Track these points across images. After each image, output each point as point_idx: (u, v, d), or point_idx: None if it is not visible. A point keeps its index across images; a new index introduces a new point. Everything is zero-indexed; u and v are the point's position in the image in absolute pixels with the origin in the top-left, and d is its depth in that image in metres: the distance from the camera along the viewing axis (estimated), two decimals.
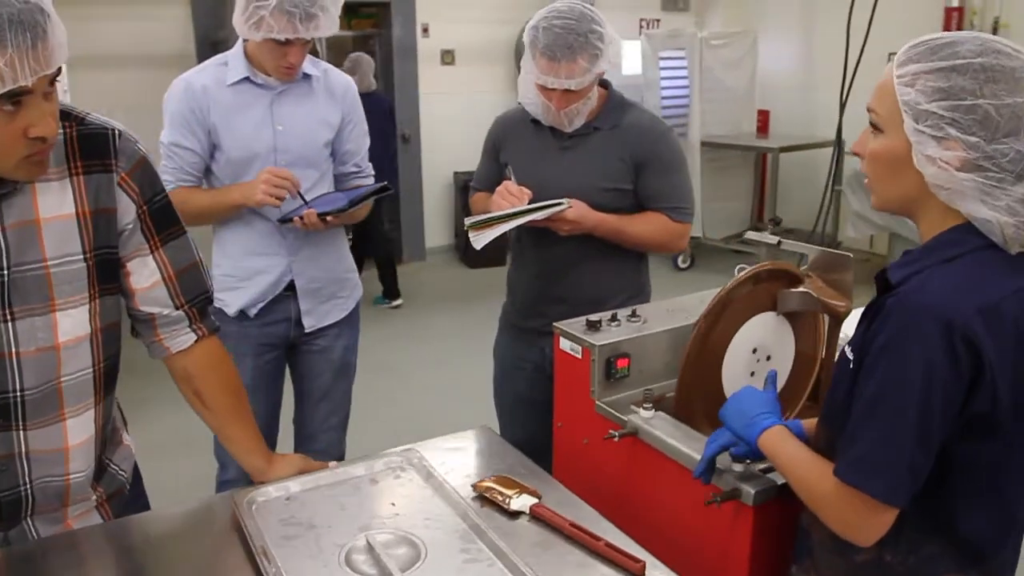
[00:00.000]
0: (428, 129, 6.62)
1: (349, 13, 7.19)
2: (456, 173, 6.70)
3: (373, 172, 2.42)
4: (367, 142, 2.40)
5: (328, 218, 2.11)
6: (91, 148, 1.25)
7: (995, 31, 5.55)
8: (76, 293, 1.26)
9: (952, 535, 1.16)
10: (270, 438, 2.40)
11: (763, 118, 6.90)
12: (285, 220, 2.15)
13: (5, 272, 1.20)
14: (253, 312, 2.23)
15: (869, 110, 1.15)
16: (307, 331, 2.29)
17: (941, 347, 1.04)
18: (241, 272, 2.22)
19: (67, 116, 1.25)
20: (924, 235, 1.16)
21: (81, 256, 1.25)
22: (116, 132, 1.28)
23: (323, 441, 2.43)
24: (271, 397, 2.37)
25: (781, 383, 1.77)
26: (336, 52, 6.53)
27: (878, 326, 1.10)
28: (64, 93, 3.28)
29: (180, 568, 1.31)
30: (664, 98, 6.48)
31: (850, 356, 1.17)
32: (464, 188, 6.58)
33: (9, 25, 1.03)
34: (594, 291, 2.16)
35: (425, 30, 6.45)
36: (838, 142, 5.38)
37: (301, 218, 2.10)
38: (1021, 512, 1.20)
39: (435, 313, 5.59)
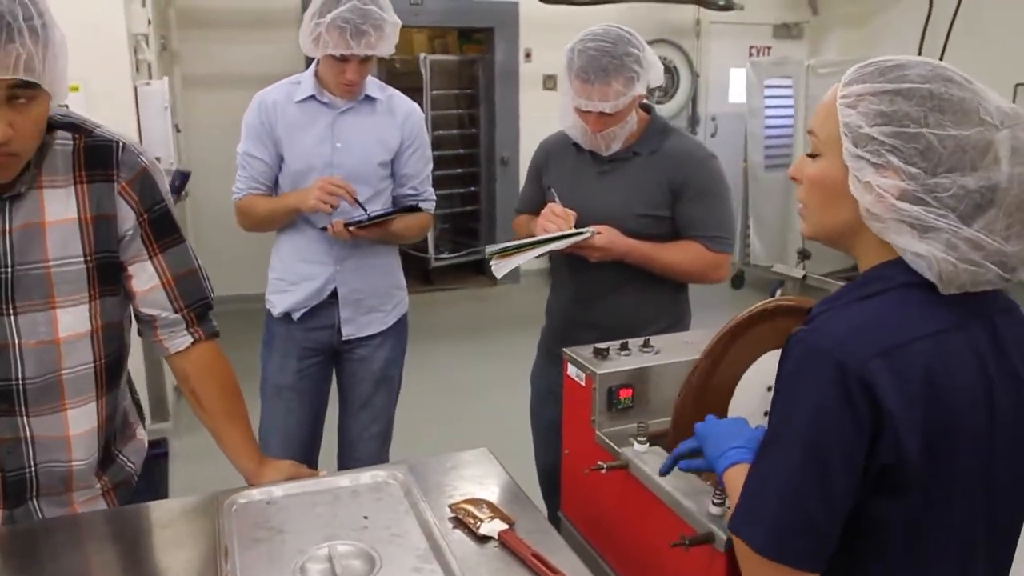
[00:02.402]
0: (527, 153, 6.64)
1: (462, 38, 7.38)
2: None
3: (434, 198, 2.48)
4: (429, 167, 2.46)
5: (351, 228, 2.17)
6: (95, 159, 1.34)
7: None
8: (76, 292, 1.34)
9: None
10: (313, 441, 2.49)
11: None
12: (323, 229, 2.24)
13: (9, 269, 1.29)
14: (297, 316, 2.32)
15: (809, 132, 1.09)
16: (346, 339, 2.35)
17: (833, 390, 0.95)
18: (291, 276, 2.33)
19: (77, 129, 1.35)
20: (861, 269, 1.08)
21: (82, 259, 1.34)
22: (120, 145, 1.37)
23: (363, 450, 2.49)
24: (315, 401, 2.46)
25: None
26: (442, 76, 6.71)
27: (781, 364, 1.03)
28: (164, 109, 3.51)
29: (149, 561, 1.36)
30: (768, 127, 6.29)
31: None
32: None
33: None
34: (629, 318, 2.12)
35: (527, 55, 6.52)
36: None
37: (331, 226, 2.20)
38: None
39: (518, 335, 5.59)
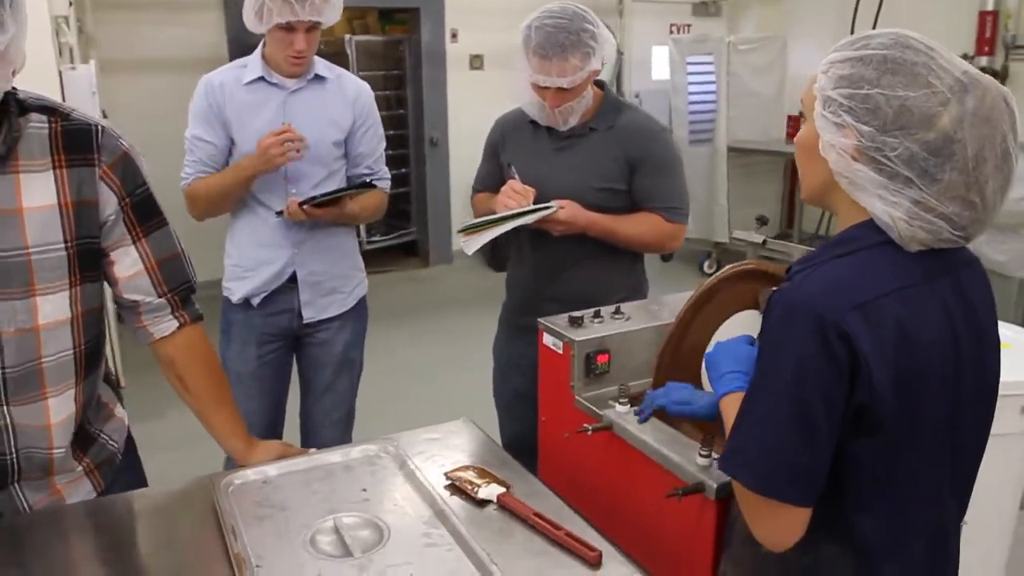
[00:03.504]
0: (456, 133, 6.68)
1: (383, 19, 7.30)
2: None
3: (389, 176, 2.48)
4: (382, 146, 2.46)
5: (305, 207, 2.18)
6: (74, 143, 1.31)
7: None
8: (57, 280, 1.31)
9: (847, 538, 1.15)
10: (274, 428, 2.47)
11: (793, 123, 6.83)
12: (279, 213, 2.23)
13: None
14: (256, 301, 2.31)
15: (800, 100, 1.17)
16: (306, 322, 2.35)
17: (814, 342, 1.04)
18: (248, 262, 2.31)
19: (52, 112, 1.31)
20: (838, 230, 1.16)
21: (62, 245, 1.31)
22: (99, 128, 1.34)
23: (326, 435, 2.49)
24: (275, 387, 2.44)
25: None
26: (367, 57, 6.63)
27: (764, 319, 1.11)
28: (92, 95, 3.39)
29: (153, 546, 1.36)
30: (692, 103, 6.46)
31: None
32: None
33: None
34: (590, 290, 2.18)
35: (454, 35, 6.51)
36: None
37: (287, 209, 2.20)
38: (918, 521, 1.17)
39: (456, 315, 5.64)
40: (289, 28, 2.11)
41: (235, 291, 2.33)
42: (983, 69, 1.31)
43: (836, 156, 1.08)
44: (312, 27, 2.14)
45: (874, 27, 5.36)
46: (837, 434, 1.08)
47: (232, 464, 2.33)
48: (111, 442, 1.53)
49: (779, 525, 1.12)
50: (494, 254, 6.82)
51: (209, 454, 2.35)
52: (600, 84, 2.19)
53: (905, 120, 1.03)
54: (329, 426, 2.50)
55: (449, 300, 6.08)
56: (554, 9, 2.02)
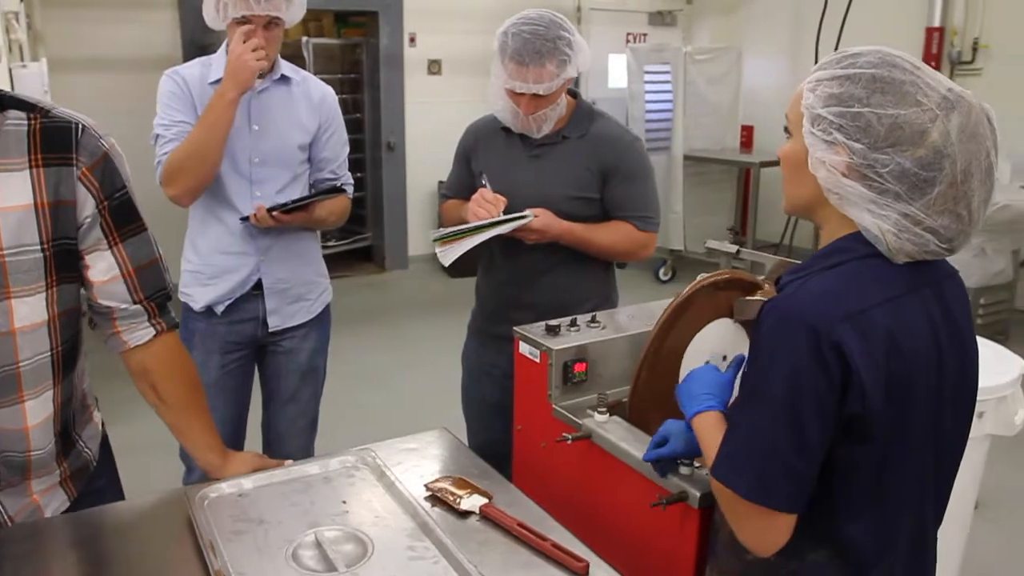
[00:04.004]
0: (413, 138, 6.65)
1: (339, 22, 7.24)
2: (440, 182, 6.68)
3: (352, 181, 2.45)
4: (346, 151, 2.43)
5: (275, 214, 2.13)
6: (53, 141, 1.26)
7: (975, 51, 5.63)
8: (33, 282, 1.27)
9: (835, 544, 1.16)
10: (236, 439, 2.41)
11: (747, 133, 6.96)
12: (245, 219, 2.18)
13: None
14: (220, 309, 2.25)
15: (786, 116, 1.18)
16: (272, 331, 2.30)
17: (807, 352, 1.06)
18: (211, 269, 2.24)
19: (32, 108, 1.26)
20: (823, 241, 1.18)
21: (38, 246, 1.26)
22: (79, 127, 1.28)
23: (291, 444, 2.44)
24: (238, 398, 2.38)
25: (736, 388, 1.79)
26: (324, 60, 6.56)
27: (756, 330, 1.13)
28: (44, 94, 3.29)
29: (129, 562, 1.32)
30: (649, 111, 6.53)
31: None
32: None
33: None
34: (561, 299, 2.18)
35: (412, 40, 6.48)
36: None
37: (255, 214, 2.14)
38: (903, 528, 1.20)
39: (414, 321, 5.60)
40: (245, 20, 2.06)
41: (197, 299, 2.27)
42: None
43: (826, 173, 1.10)
44: (272, 24, 2.10)
45: (837, 44, 5.52)
46: (828, 442, 1.09)
47: (196, 474, 2.30)
48: (86, 449, 1.49)
49: (766, 531, 1.13)
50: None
51: (170, 463, 2.30)
52: (573, 93, 2.20)
53: (896, 137, 1.06)
54: (294, 435, 2.45)
55: (407, 305, 6.03)
56: (531, 15, 2.02)
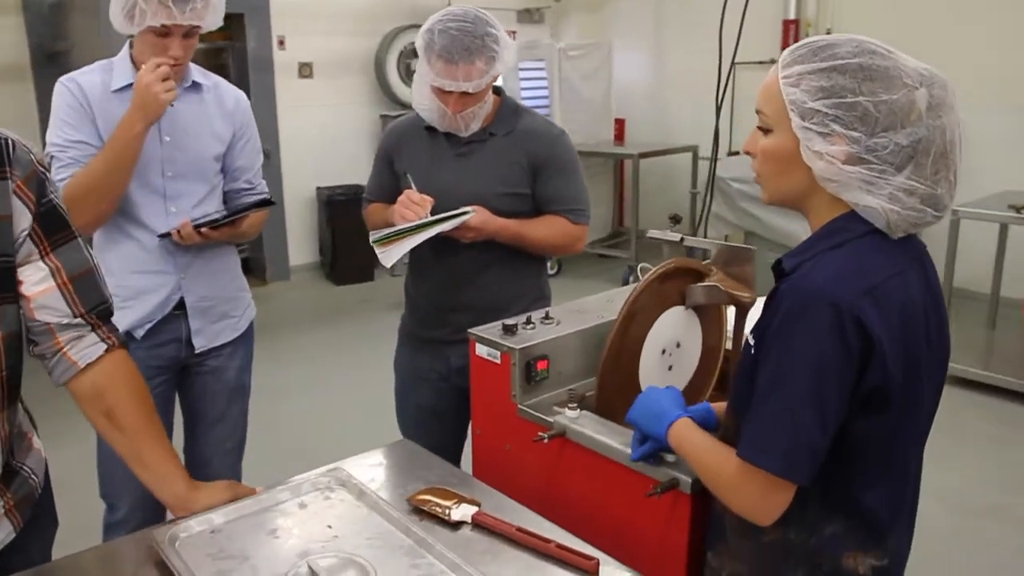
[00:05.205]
0: (287, 144, 6.42)
1: None
2: (319, 188, 6.53)
3: (268, 191, 2.33)
4: (260, 159, 2.31)
5: (203, 230, 2.00)
6: None
7: None
8: None
9: (852, 513, 1.21)
10: None
11: (619, 126, 7.14)
12: (165, 236, 2.02)
13: None
14: (140, 333, 2.08)
15: (757, 111, 1.21)
16: (198, 352, 2.16)
17: (830, 329, 1.09)
18: (126, 291, 2.06)
19: None
20: (813, 225, 1.22)
21: None
22: (10, 141, 1.19)
23: (218, 466, 2.30)
24: (163, 423, 2.22)
25: (689, 375, 1.83)
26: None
27: (772, 311, 1.16)
28: None
29: None
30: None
31: (752, 342, 1.22)
32: (328, 203, 6.42)
33: None
34: (497, 297, 2.16)
35: (281, 43, 6.25)
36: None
37: (178, 231, 1.99)
38: (909, 491, 1.27)
39: (302, 333, 5.41)
40: (164, 33, 1.91)
41: (116, 322, 2.09)
42: None
43: (825, 164, 1.13)
44: (190, 32, 1.96)
45: (719, 40, 5.76)
46: (843, 415, 1.13)
47: (120, 512, 2.12)
48: (32, 476, 1.37)
49: (774, 502, 1.16)
50: (333, 268, 6.63)
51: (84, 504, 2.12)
52: (497, 90, 2.18)
53: (892, 120, 1.10)
54: (222, 456, 2.31)
55: (294, 318, 5.82)
56: (458, 13, 1.99)
